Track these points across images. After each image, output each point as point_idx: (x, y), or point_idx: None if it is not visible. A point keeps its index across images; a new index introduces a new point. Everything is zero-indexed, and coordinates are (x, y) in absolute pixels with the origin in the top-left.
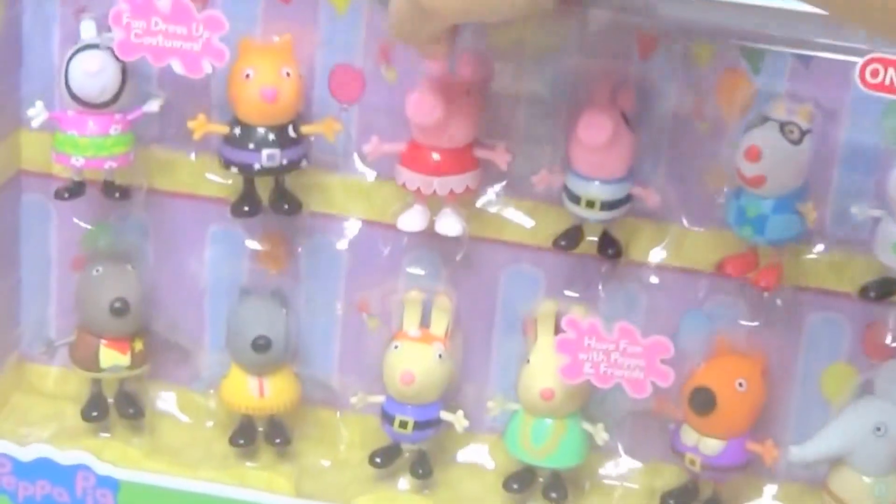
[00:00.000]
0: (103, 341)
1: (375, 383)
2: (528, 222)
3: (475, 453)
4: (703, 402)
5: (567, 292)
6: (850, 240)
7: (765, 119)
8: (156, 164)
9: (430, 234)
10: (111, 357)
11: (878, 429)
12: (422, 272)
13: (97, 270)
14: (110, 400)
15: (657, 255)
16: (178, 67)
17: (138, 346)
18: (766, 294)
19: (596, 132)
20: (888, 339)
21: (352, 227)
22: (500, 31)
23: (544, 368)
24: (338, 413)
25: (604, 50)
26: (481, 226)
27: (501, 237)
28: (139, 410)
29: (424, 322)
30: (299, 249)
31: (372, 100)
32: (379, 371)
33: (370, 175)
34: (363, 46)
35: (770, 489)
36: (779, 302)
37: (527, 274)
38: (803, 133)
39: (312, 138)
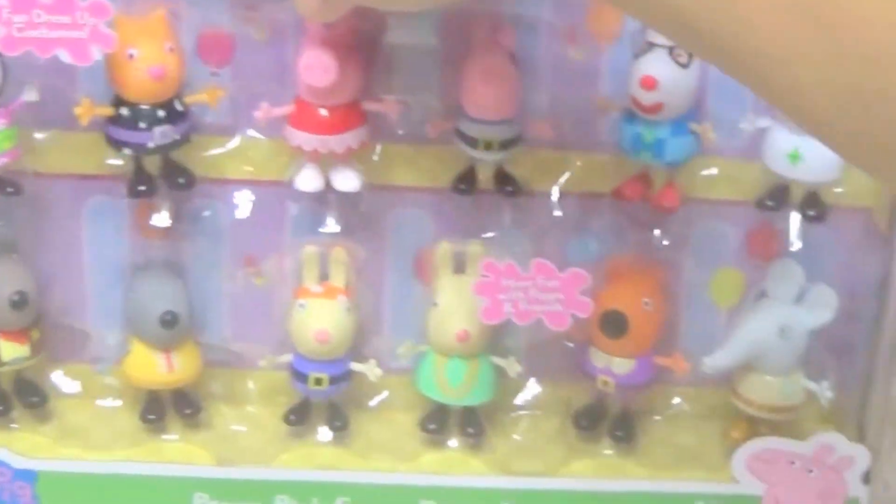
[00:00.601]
0: (1, 335)
1: (277, 342)
2: (415, 165)
3: (386, 397)
4: (615, 325)
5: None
6: (729, 149)
7: (651, 45)
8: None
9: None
10: (11, 350)
11: (783, 331)
12: (314, 227)
13: None
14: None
15: (544, 183)
16: (65, 57)
17: (35, 334)
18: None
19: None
20: (772, 240)
21: (238, 189)
22: None
23: (455, 310)
24: (243, 372)
25: None
26: (368, 174)
27: (388, 181)
28: (42, 397)
29: (324, 276)
30: (187, 212)
31: (244, 61)
32: (280, 329)
33: (253, 136)
34: (229, 8)
35: (677, 398)
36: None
37: (414, 215)
38: (690, 55)
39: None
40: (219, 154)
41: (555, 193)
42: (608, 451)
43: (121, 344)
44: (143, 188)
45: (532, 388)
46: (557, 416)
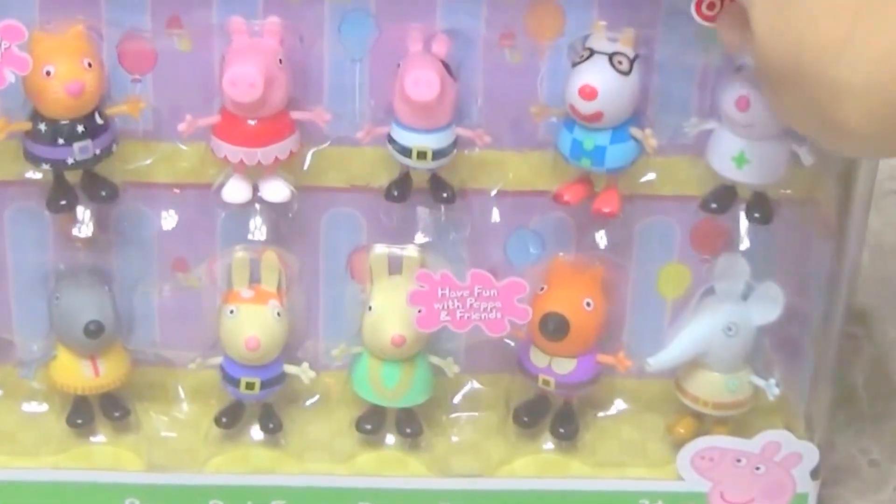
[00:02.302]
0: None
1: (207, 345)
2: (346, 167)
3: (321, 397)
4: (556, 328)
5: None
6: (671, 145)
7: (591, 52)
8: None
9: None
10: None
11: (729, 329)
12: (244, 232)
13: None
14: None
15: (481, 182)
16: None
17: None
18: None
19: (425, 89)
20: (717, 236)
21: (163, 194)
22: None
23: (390, 314)
24: (173, 372)
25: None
26: (298, 177)
27: (319, 183)
28: None
29: (254, 280)
30: (111, 223)
31: (166, 68)
32: (210, 332)
33: (178, 143)
34: (151, 16)
35: (620, 393)
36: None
37: (346, 216)
38: (632, 62)
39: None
40: (144, 160)
41: (492, 192)
42: (549, 447)
43: (46, 349)
44: (63, 202)
45: (471, 387)
46: (497, 415)
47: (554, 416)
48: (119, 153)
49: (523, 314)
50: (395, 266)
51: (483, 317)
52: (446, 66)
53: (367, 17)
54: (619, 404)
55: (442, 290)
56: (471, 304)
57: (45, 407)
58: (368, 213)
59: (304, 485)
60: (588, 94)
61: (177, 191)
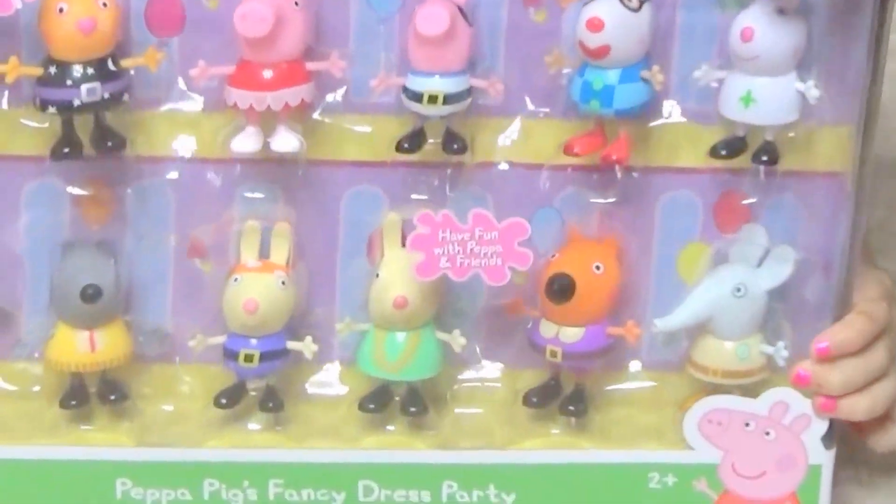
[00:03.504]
0: None
1: (214, 327)
2: (366, 138)
3: (325, 382)
4: (561, 288)
5: (414, 197)
6: (693, 111)
7: None
8: None
9: (263, 162)
10: None
11: (738, 290)
12: (257, 200)
13: None
14: None
15: (501, 152)
16: None
17: None
18: (618, 170)
19: (434, 23)
20: (739, 206)
21: (179, 164)
22: None
23: (395, 278)
24: (176, 360)
25: None
26: (318, 146)
27: (339, 157)
28: None
29: (264, 253)
30: (128, 191)
31: (193, 30)
32: (217, 313)
33: (195, 107)
34: None
35: (632, 376)
36: (630, 181)
37: (368, 192)
38: (641, 2)
39: (132, 72)
40: (161, 125)
41: (502, 163)
42: (557, 432)
43: (46, 328)
44: (67, 150)
45: (480, 368)
46: (506, 399)
47: (564, 397)
48: (133, 120)
49: (524, 259)
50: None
51: (483, 263)
52: (462, 11)
53: None
54: (630, 392)
55: (443, 232)
56: (471, 249)
57: (37, 389)
58: (389, 187)
59: (301, 461)
60: (595, 25)
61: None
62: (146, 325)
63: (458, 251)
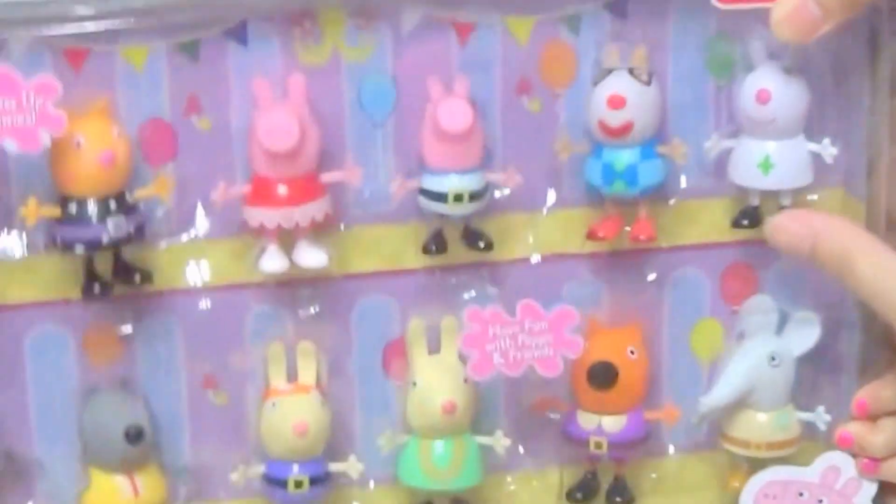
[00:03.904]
0: None
1: (245, 456)
2: (374, 247)
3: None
4: (604, 375)
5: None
6: (697, 188)
7: (609, 71)
8: None
9: (272, 289)
10: None
11: (773, 358)
12: (271, 323)
13: None
14: None
15: (513, 250)
16: (11, 147)
17: None
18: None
19: (460, 119)
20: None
21: (187, 298)
22: (310, 49)
23: (436, 384)
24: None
25: (423, 47)
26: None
27: (348, 269)
28: None
29: (291, 377)
30: (133, 329)
31: (188, 154)
32: (247, 442)
33: (199, 236)
34: (169, 100)
35: (669, 464)
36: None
37: (379, 303)
38: (649, 76)
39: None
40: (165, 258)
41: (533, 258)
42: None
43: (77, 478)
44: (98, 289)
45: (521, 469)
46: (549, 497)
47: (608, 491)
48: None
49: (575, 346)
50: (433, 345)
51: (536, 355)
52: (471, 103)
53: (386, 80)
54: (668, 479)
55: (493, 328)
56: (522, 342)
57: None
58: (403, 299)
59: None
60: (616, 102)
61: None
62: (171, 465)
63: (510, 345)
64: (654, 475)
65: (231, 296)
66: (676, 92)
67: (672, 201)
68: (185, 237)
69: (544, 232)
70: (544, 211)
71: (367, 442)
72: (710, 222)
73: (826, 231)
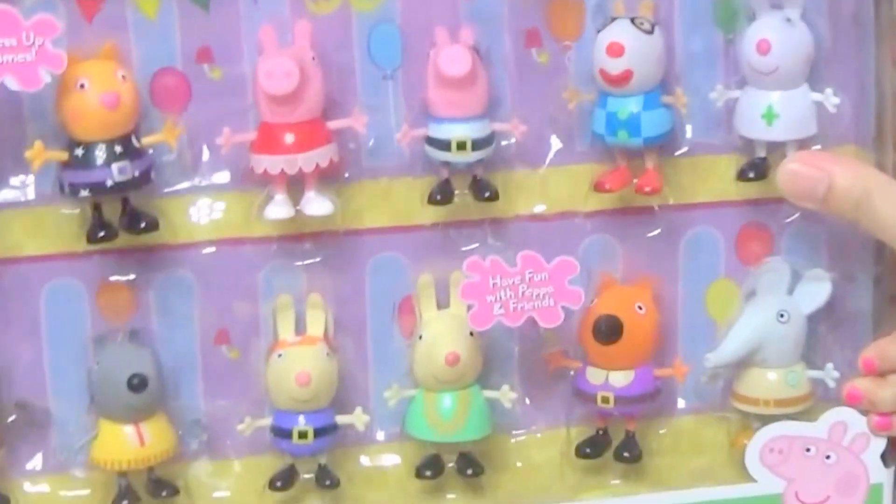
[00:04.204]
0: None
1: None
2: (387, 204)
3: (375, 456)
4: (609, 329)
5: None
6: (707, 144)
7: (612, 19)
8: None
9: (285, 241)
10: None
11: (782, 315)
12: (283, 277)
13: None
14: None
15: (523, 205)
16: (12, 83)
17: None
18: (650, 209)
19: (458, 63)
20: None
21: (200, 250)
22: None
23: (442, 337)
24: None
25: None
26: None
27: (359, 224)
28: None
29: (299, 329)
30: (148, 282)
31: (200, 104)
32: (253, 398)
33: (212, 188)
34: (181, 49)
35: (678, 425)
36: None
37: (391, 259)
38: (652, 25)
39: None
40: (178, 210)
41: (543, 214)
42: (617, 481)
43: (86, 428)
44: (103, 234)
45: (530, 427)
46: (558, 454)
47: (616, 447)
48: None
49: (576, 297)
50: (443, 300)
51: (536, 305)
52: (477, 52)
53: (394, 30)
54: (678, 437)
55: (493, 278)
56: (523, 292)
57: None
58: (412, 255)
59: None
60: (616, 50)
61: (211, 245)
62: (184, 418)
63: (510, 296)
64: (662, 431)
65: (245, 250)
66: (684, 44)
67: (680, 152)
68: (197, 189)
69: (554, 188)
70: (552, 165)
71: (378, 398)
72: (725, 180)
73: (841, 171)
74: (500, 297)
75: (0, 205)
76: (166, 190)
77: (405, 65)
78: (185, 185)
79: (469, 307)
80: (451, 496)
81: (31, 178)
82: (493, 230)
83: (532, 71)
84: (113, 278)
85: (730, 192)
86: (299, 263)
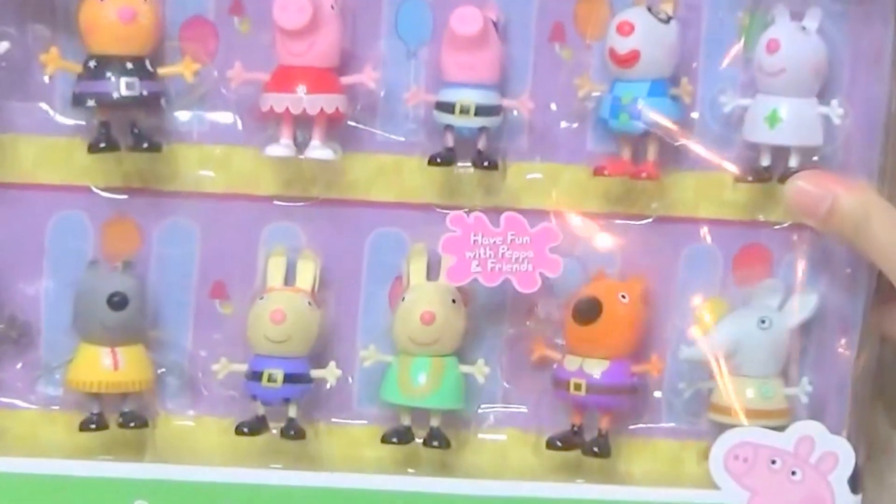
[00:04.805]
0: None
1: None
2: (395, 180)
3: (346, 416)
4: (587, 307)
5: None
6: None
7: (632, 5)
8: None
9: (287, 202)
10: None
11: (763, 321)
12: (283, 236)
13: None
14: None
15: (529, 199)
16: None
17: None
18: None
19: (469, 22)
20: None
21: (208, 203)
22: None
23: (421, 298)
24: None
25: None
26: (344, 184)
27: (363, 196)
28: None
29: (289, 282)
30: (153, 226)
31: (226, 55)
32: (239, 351)
33: (223, 141)
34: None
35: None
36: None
37: (392, 234)
38: (669, 17)
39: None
40: (186, 159)
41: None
42: (581, 480)
43: (67, 351)
44: (104, 144)
45: (503, 411)
46: (529, 445)
47: (588, 441)
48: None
49: (554, 266)
50: (433, 274)
51: (514, 269)
52: (494, 24)
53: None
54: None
55: (475, 235)
56: (503, 254)
57: (58, 411)
58: (415, 234)
59: (323, 485)
60: (625, 29)
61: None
62: (166, 361)
63: (490, 255)
64: (634, 428)
65: (250, 206)
66: (707, 46)
67: (687, 166)
68: (210, 138)
69: (563, 185)
70: (560, 161)
71: (361, 367)
72: (730, 199)
73: (845, 193)
74: (480, 255)
75: (19, 129)
76: (179, 137)
77: (431, 43)
78: (197, 132)
79: (447, 260)
80: (410, 470)
81: (50, 107)
82: (493, 219)
83: (552, 65)
84: (119, 216)
85: (732, 210)
86: (301, 226)
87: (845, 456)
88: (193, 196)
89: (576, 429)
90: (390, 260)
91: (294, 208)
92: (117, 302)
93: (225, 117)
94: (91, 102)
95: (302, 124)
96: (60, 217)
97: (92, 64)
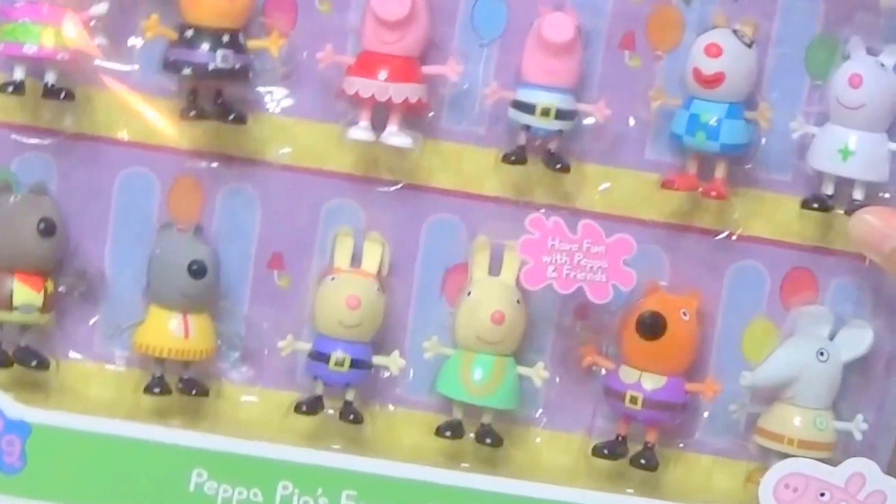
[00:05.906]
0: (17, 275)
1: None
2: (457, 168)
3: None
4: (653, 323)
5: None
6: (770, 181)
7: (714, 27)
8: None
9: (352, 183)
10: (24, 294)
11: (822, 353)
12: (344, 214)
13: (14, 197)
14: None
15: (589, 201)
16: None
17: (50, 286)
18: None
19: (562, 29)
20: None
21: (272, 173)
22: None
23: (490, 296)
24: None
25: None
26: (407, 172)
27: (422, 181)
28: (43, 364)
29: (354, 263)
30: (218, 193)
31: (303, 32)
32: (296, 324)
33: (294, 113)
34: None
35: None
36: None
37: (450, 223)
38: (751, 41)
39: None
40: (256, 129)
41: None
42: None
43: (136, 312)
44: (194, 112)
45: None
46: (576, 450)
47: (634, 454)
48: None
49: (628, 278)
50: (494, 268)
51: (588, 278)
52: (578, 29)
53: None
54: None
55: (552, 239)
56: (578, 261)
57: (125, 372)
58: (472, 224)
59: (381, 474)
60: (714, 50)
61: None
62: (225, 332)
63: (566, 261)
64: (682, 445)
65: (314, 181)
66: (771, 85)
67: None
68: (282, 112)
69: (622, 189)
70: (621, 167)
71: (412, 354)
72: (783, 219)
73: None
74: (556, 261)
75: (99, 82)
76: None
77: (504, 37)
78: (273, 107)
79: (523, 265)
80: (464, 465)
81: (135, 66)
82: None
83: (620, 73)
84: (185, 177)
85: (786, 232)
86: (362, 206)
87: (894, 496)
88: (258, 164)
89: (621, 438)
90: (447, 247)
91: (356, 187)
92: (196, 270)
93: (296, 92)
94: (187, 71)
95: (378, 108)
96: (129, 174)
97: (189, 33)
